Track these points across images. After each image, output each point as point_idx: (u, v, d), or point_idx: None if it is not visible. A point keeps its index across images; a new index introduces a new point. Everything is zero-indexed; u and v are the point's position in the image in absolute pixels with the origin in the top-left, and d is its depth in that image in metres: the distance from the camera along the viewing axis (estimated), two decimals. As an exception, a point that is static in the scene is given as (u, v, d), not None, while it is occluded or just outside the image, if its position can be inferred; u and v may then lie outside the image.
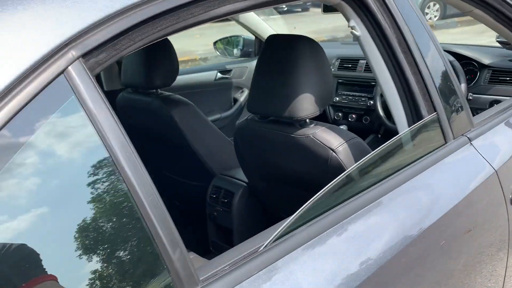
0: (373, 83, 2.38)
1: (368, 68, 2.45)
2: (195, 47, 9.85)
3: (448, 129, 1.14)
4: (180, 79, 2.61)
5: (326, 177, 1.32)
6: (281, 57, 1.29)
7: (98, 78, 2.33)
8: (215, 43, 3.02)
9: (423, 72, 1.11)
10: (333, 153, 1.26)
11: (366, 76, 2.43)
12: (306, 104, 1.27)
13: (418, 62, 1.13)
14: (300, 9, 14.32)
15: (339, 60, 2.58)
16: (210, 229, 1.93)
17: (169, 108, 1.78)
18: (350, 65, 2.52)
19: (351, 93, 2.48)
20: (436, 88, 1.13)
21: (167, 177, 2.22)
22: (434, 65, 1.15)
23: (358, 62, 2.50)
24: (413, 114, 1.13)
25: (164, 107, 1.79)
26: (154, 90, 1.87)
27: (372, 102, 2.37)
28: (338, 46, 2.81)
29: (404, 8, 1.13)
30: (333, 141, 1.28)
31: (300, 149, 1.33)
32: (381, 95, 2.23)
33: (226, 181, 1.84)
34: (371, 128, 2.43)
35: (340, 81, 2.53)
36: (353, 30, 1.13)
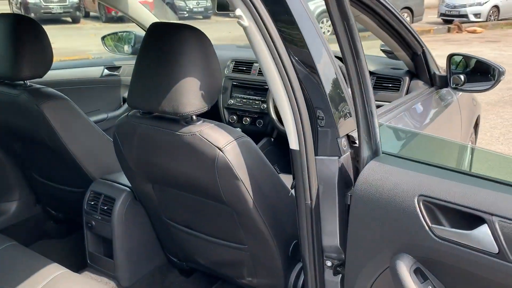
0: (267, 87, 2.37)
1: (261, 72, 2.44)
2: (89, 46, 9.27)
3: (335, 129, 1.12)
4: (60, 74, 2.36)
5: (213, 179, 1.24)
6: (164, 47, 1.18)
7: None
8: (103, 38, 2.79)
9: (316, 75, 1.09)
10: (220, 152, 1.18)
11: (260, 80, 2.41)
12: (192, 99, 1.17)
13: (311, 62, 1.10)
14: (201, 16, 14.26)
15: (234, 62, 2.53)
16: (88, 240, 1.73)
17: (39, 102, 1.56)
18: (244, 68, 2.49)
19: (246, 96, 2.45)
20: (326, 92, 1.11)
21: (39, 182, 1.96)
22: (325, 69, 1.12)
23: (252, 65, 2.47)
24: (304, 115, 1.10)
25: (32, 101, 1.56)
26: (22, 82, 1.64)
27: (265, 105, 2.36)
28: (233, 48, 2.77)
29: (295, 4, 1.09)
30: (220, 139, 1.19)
31: (186, 148, 1.23)
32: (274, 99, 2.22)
33: (106, 186, 1.66)
34: (264, 131, 2.41)
35: (235, 83, 2.48)
36: (240, 20, 1.06)
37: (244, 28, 1.08)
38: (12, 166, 2.05)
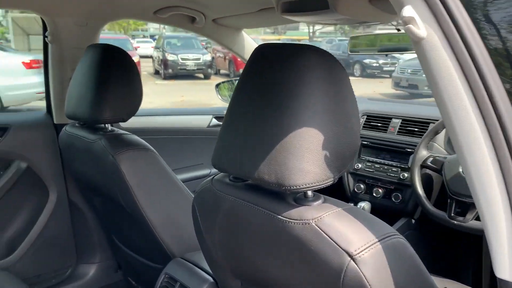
0: (410, 150, 1.80)
1: (403, 130, 1.88)
2: (215, 100, 9.58)
3: None
4: (162, 120, 2.10)
5: None
6: (274, 79, 0.74)
7: (49, 109, 1.82)
8: (217, 85, 2.52)
9: None
10: (352, 261, 0.67)
11: (401, 140, 1.86)
12: (309, 164, 0.70)
13: None
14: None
15: (365, 116, 2.03)
16: None
17: (115, 151, 1.22)
18: (379, 124, 1.96)
19: (379, 160, 1.90)
20: None
21: (118, 247, 1.63)
22: None
23: (390, 121, 1.94)
24: None
25: (108, 150, 1.24)
26: (103, 125, 1.34)
27: (406, 175, 1.78)
28: (364, 101, 2.27)
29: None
30: (353, 238, 0.68)
31: (292, 243, 0.74)
32: (421, 167, 1.64)
33: (184, 270, 1.23)
34: (402, 209, 1.81)
35: (365, 143, 1.96)
36: (410, 26, 0.57)
37: (416, 42, 0.58)
38: (95, 224, 1.77)
